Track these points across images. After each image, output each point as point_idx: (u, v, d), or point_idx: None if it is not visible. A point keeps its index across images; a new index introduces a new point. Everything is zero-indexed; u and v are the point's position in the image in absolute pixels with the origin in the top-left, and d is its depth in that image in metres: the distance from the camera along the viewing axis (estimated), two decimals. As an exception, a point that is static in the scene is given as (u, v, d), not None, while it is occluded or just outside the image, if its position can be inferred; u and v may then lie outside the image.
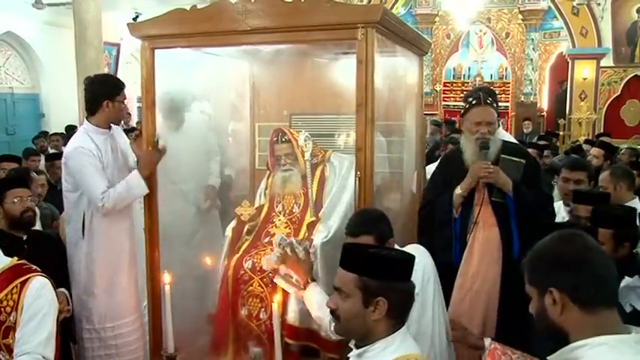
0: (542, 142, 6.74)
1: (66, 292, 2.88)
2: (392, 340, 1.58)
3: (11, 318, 2.02)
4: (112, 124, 3.15)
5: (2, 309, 2.01)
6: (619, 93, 11.58)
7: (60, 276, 2.93)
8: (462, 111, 2.96)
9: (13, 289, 2.03)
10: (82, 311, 3.04)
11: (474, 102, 2.87)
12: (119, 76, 11.11)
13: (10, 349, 2.02)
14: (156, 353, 2.74)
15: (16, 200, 2.82)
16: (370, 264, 1.57)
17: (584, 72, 11.56)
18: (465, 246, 2.79)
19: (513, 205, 2.75)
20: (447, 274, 2.71)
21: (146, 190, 2.84)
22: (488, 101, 2.86)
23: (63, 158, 3.13)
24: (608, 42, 11.34)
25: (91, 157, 2.94)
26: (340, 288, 1.60)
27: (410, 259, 1.63)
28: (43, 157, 6.22)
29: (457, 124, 8.08)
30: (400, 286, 1.59)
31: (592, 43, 11.40)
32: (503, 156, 2.81)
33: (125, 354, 3.08)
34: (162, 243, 2.83)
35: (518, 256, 2.71)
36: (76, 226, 3.03)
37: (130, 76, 10.58)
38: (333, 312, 1.64)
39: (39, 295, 2.06)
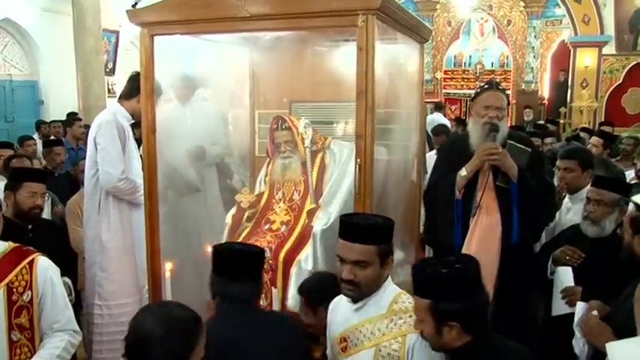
0: (534, 130, 6.68)
1: (69, 281, 2.90)
2: (389, 280, 1.95)
3: (24, 297, 2.05)
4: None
5: (14, 289, 2.04)
6: (621, 81, 11.53)
7: (64, 264, 2.95)
8: (473, 96, 3.00)
9: (22, 269, 2.07)
10: (94, 287, 3.07)
11: (485, 86, 2.90)
12: (118, 63, 11.07)
13: (22, 328, 2.05)
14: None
15: (29, 194, 2.86)
16: (383, 233, 1.91)
17: (586, 60, 11.51)
18: (466, 229, 2.79)
19: (516, 192, 2.75)
20: (446, 256, 2.73)
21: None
22: (500, 87, 2.90)
23: (95, 126, 3.14)
24: (610, 30, 11.27)
25: (120, 134, 3.05)
26: (361, 260, 1.85)
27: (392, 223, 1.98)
28: (39, 142, 6.14)
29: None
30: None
31: (594, 31, 11.33)
32: (510, 142, 2.82)
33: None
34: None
35: (517, 243, 2.72)
36: (93, 201, 3.05)
37: (129, 63, 10.54)
38: (351, 282, 1.86)
39: (52, 273, 2.15)
